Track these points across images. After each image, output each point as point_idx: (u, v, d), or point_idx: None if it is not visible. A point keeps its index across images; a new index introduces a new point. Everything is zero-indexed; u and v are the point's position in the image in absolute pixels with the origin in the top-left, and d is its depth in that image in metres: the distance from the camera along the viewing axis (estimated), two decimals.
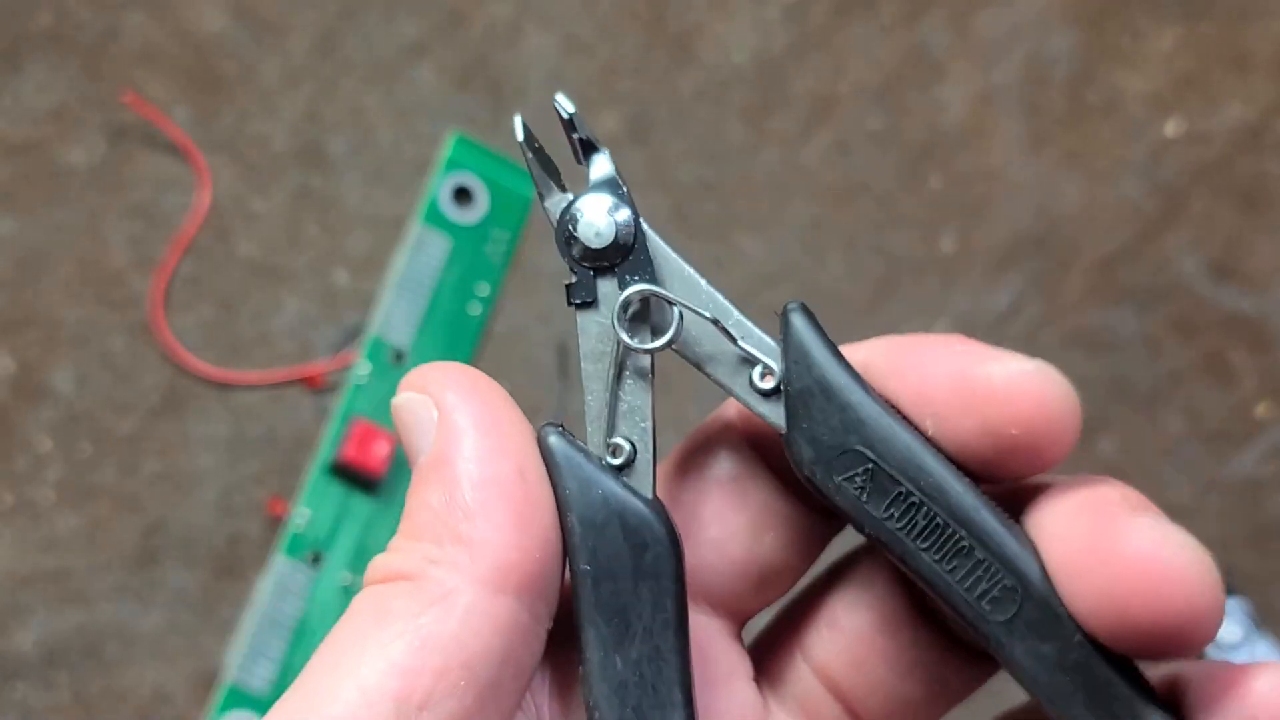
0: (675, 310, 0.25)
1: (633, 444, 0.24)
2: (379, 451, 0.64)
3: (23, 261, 0.69)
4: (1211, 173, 0.73)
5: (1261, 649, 0.66)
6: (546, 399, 0.68)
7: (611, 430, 0.25)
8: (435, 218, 0.69)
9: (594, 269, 0.25)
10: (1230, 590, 0.67)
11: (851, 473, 0.24)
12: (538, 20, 0.73)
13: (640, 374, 0.25)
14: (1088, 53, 0.75)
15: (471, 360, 0.69)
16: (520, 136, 0.26)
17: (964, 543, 0.23)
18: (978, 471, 0.24)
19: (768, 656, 0.27)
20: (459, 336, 0.69)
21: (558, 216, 0.25)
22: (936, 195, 0.72)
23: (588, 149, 0.26)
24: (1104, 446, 0.69)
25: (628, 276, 0.25)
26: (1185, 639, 0.22)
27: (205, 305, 0.69)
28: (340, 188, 0.70)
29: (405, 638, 0.22)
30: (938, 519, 0.23)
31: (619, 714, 0.23)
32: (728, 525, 0.26)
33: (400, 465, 0.66)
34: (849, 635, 0.26)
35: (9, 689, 0.64)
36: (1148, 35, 0.75)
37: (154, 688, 0.64)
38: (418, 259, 0.68)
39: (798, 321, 0.24)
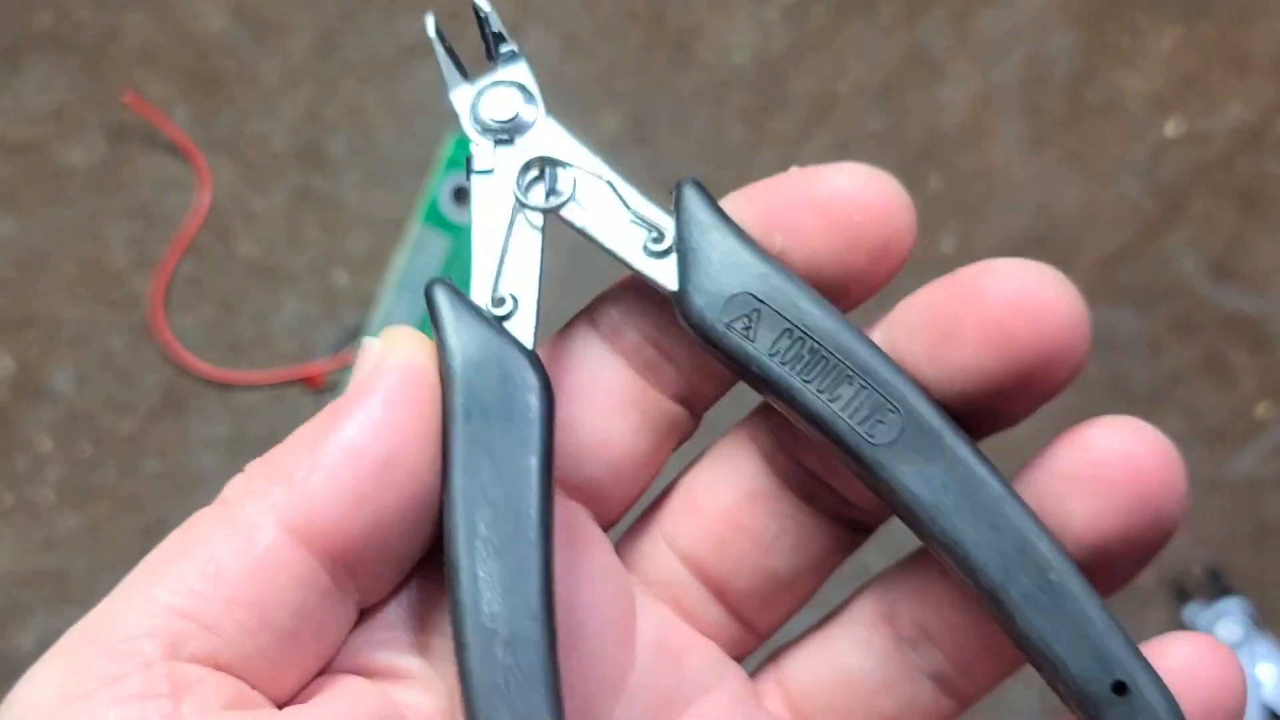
0: (571, 174, 0.26)
1: (516, 299, 0.25)
2: None
3: (23, 261, 0.69)
4: (1211, 173, 0.73)
5: (1262, 648, 0.66)
6: None
7: (497, 285, 0.25)
8: (435, 218, 0.69)
9: (495, 140, 0.26)
10: (1230, 590, 0.67)
11: (739, 315, 0.25)
12: (538, 20, 0.73)
13: (532, 235, 0.26)
14: (1088, 53, 0.75)
15: None
16: (431, 32, 0.27)
17: (847, 372, 0.24)
18: (833, 281, 0.25)
19: (630, 547, 0.27)
20: None
21: (467, 97, 0.27)
22: (936, 195, 0.72)
23: (499, 42, 0.28)
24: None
25: (529, 150, 0.26)
26: (1066, 361, 0.23)
27: (205, 305, 0.69)
28: (340, 188, 0.70)
29: (201, 561, 0.22)
30: (821, 351, 0.24)
31: (476, 536, 0.23)
32: (609, 423, 0.26)
33: None
34: (708, 515, 0.27)
35: (9, 689, 0.64)
36: (1148, 35, 0.75)
37: None
38: (418, 259, 0.68)
39: (691, 192, 0.26)
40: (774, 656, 0.28)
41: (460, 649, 0.23)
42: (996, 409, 0.24)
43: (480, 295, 0.25)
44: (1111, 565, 0.24)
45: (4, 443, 0.67)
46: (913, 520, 0.24)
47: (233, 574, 0.22)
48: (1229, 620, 0.66)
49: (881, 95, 0.74)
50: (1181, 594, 0.67)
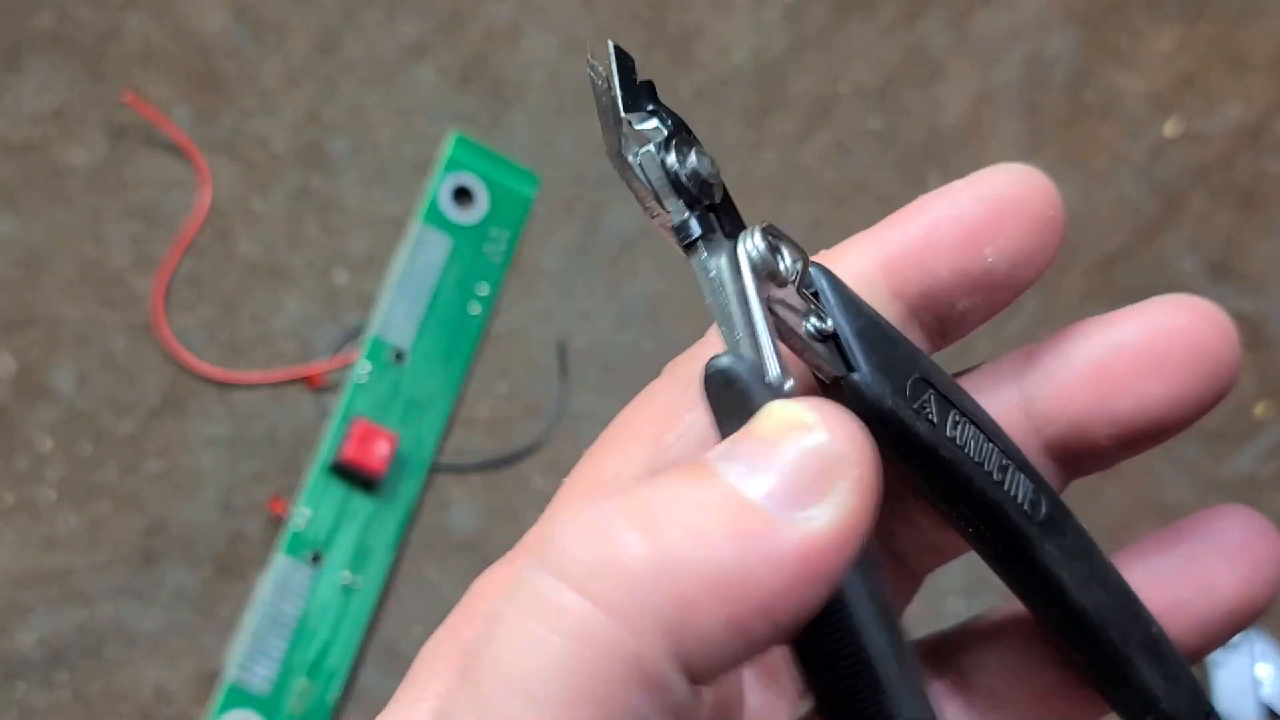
0: (785, 249, 0.23)
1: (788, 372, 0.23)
2: (379, 451, 0.64)
3: (23, 261, 0.69)
4: (1210, 173, 0.74)
5: (1260, 647, 0.66)
6: (546, 399, 0.68)
7: (778, 359, 0.22)
8: (435, 217, 0.69)
9: (697, 208, 0.23)
10: None
11: (921, 400, 0.24)
12: (538, 20, 0.73)
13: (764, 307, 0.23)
14: (1087, 53, 0.75)
15: (471, 360, 0.69)
16: (614, 67, 0.24)
17: (998, 452, 0.24)
18: (1032, 275, 0.26)
19: None
20: (459, 336, 0.69)
21: (655, 155, 0.24)
22: None
23: (651, 92, 0.25)
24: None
25: (717, 215, 0.24)
26: (1233, 365, 0.25)
27: (206, 305, 0.69)
28: (340, 188, 0.70)
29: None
30: (981, 435, 0.24)
31: None
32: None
33: (400, 465, 0.66)
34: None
35: (9, 688, 0.64)
36: (1147, 35, 0.75)
37: (154, 687, 0.64)
38: (418, 259, 0.69)
39: (821, 270, 0.24)
40: None
41: None
42: (1166, 430, 0.26)
43: (772, 375, 0.22)
44: (1234, 622, 0.27)
45: (4, 442, 0.67)
46: (1052, 592, 0.25)
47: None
48: None
49: (881, 95, 0.74)
50: None
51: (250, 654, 0.63)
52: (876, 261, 0.26)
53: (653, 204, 0.23)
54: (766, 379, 0.22)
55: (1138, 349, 0.24)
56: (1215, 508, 0.26)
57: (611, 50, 0.24)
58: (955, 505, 0.25)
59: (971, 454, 0.24)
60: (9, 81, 0.71)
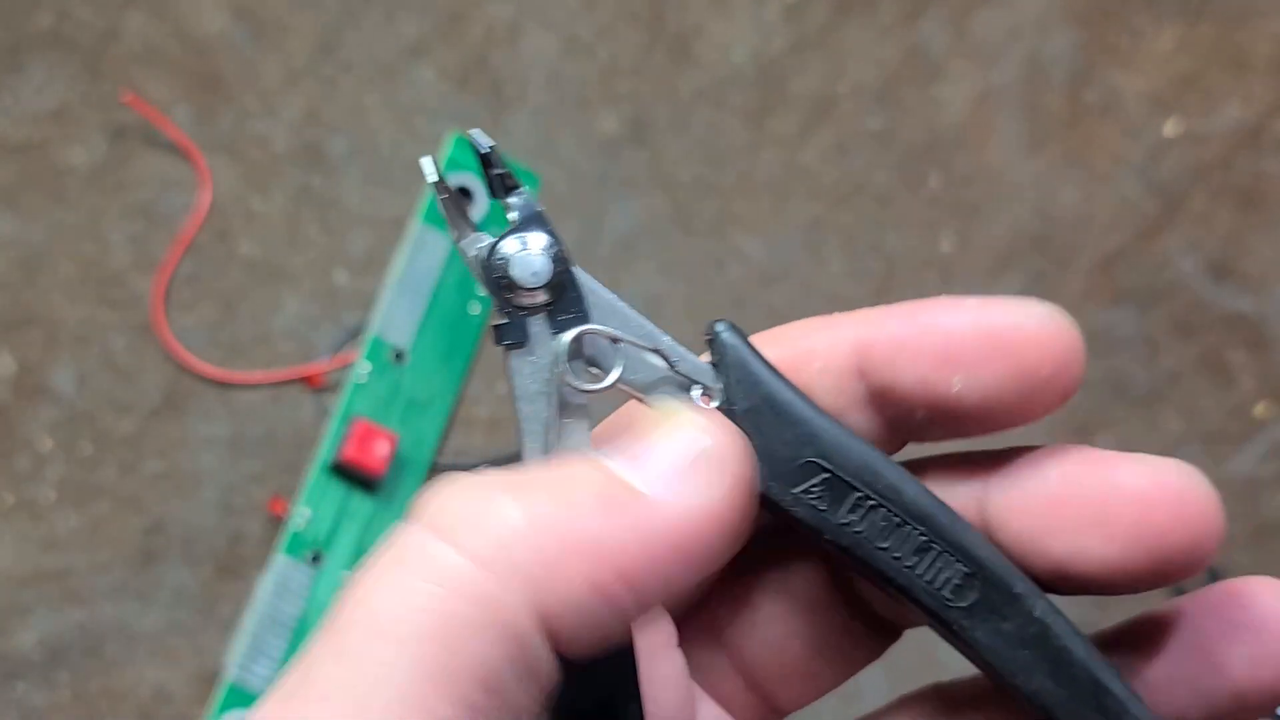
0: (617, 348, 0.24)
1: None
2: (379, 451, 0.64)
3: (23, 261, 0.69)
4: (1210, 173, 0.74)
5: None
6: None
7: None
8: (435, 218, 0.69)
9: (526, 310, 0.24)
10: None
11: (808, 484, 0.24)
12: (538, 21, 0.73)
13: (580, 412, 0.24)
14: (1086, 53, 0.75)
15: (471, 360, 0.69)
16: (432, 178, 0.24)
17: (923, 538, 0.24)
18: (1001, 420, 0.24)
19: (685, 641, 0.27)
20: (459, 336, 0.69)
21: (484, 256, 0.24)
22: (936, 195, 0.72)
23: (508, 185, 0.24)
24: (1103, 446, 0.69)
25: (558, 316, 0.24)
26: (1207, 554, 0.23)
27: (206, 305, 0.69)
28: (340, 188, 0.70)
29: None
30: (895, 519, 0.24)
31: None
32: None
33: (399, 464, 0.66)
34: (766, 619, 0.27)
35: (10, 688, 0.64)
36: (1146, 36, 0.75)
37: (154, 687, 0.64)
38: (418, 259, 0.69)
39: (731, 340, 0.24)
40: None
41: None
42: (1115, 588, 0.24)
43: None
44: (1246, 711, 0.25)
45: (4, 442, 0.67)
46: (993, 673, 0.24)
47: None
48: None
49: (881, 95, 0.74)
50: (1180, 593, 0.67)
51: (250, 654, 0.63)
52: (853, 337, 0.25)
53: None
54: None
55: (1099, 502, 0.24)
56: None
57: (475, 142, 0.24)
58: (875, 582, 0.25)
59: (870, 538, 0.24)
60: (9, 81, 0.71)
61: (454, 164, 0.70)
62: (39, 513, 0.67)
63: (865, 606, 0.27)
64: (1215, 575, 0.68)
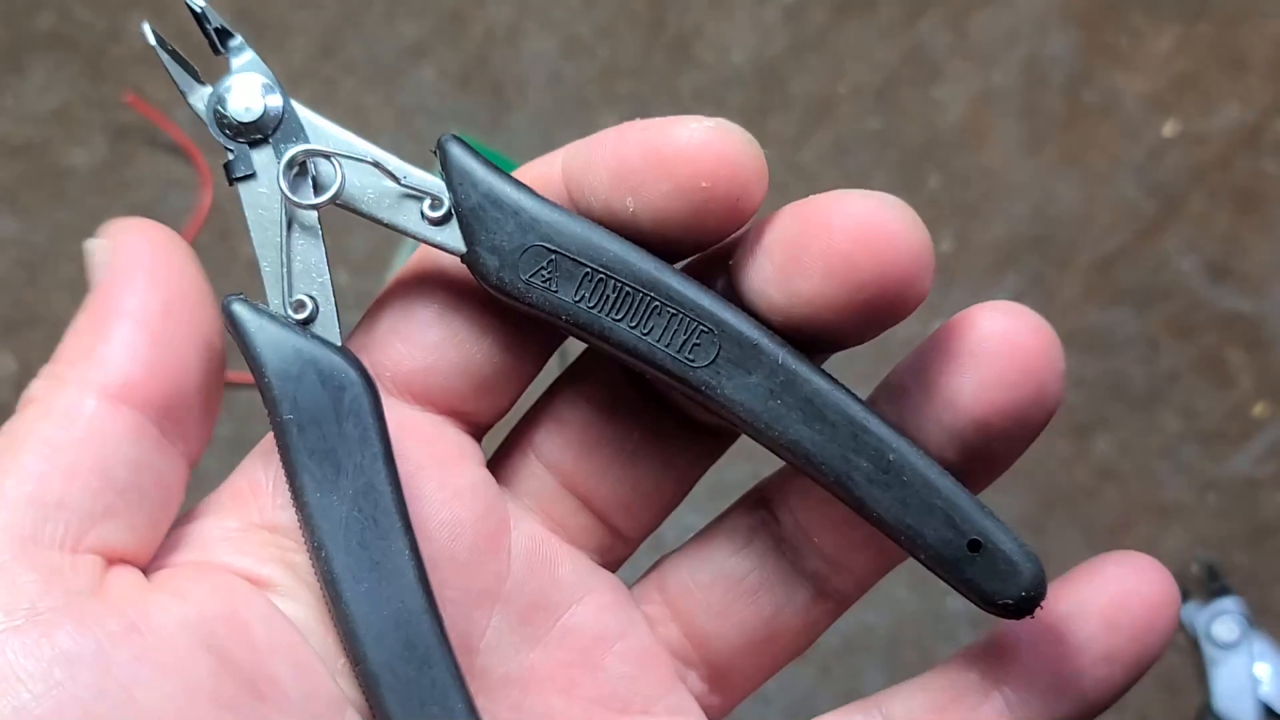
0: (336, 163, 0.26)
1: (314, 299, 0.26)
2: None
3: (25, 261, 0.69)
4: (1209, 173, 0.74)
5: (1259, 646, 0.67)
6: None
7: (291, 290, 0.26)
8: None
9: (249, 143, 0.26)
10: (1227, 589, 0.67)
11: (536, 268, 0.25)
12: (538, 21, 0.73)
13: (310, 233, 0.26)
14: (1086, 54, 0.75)
15: None
16: (152, 40, 0.26)
17: (655, 303, 0.24)
18: (684, 238, 0.25)
19: (501, 461, 0.28)
20: None
21: (206, 103, 0.26)
22: (935, 195, 0.73)
23: (224, 37, 0.26)
24: (1102, 446, 0.69)
25: (282, 145, 0.26)
26: (910, 288, 0.23)
27: None
28: None
29: (36, 447, 0.23)
30: (626, 288, 0.25)
31: (345, 548, 0.24)
32: (443, 330, 0.27)
33: None
34: (574, 427, 0.27)
35: None
36: (1145, 36, 0.75)
37: None
38: None
39: (455, 150, 0.26)
40: (657, 564, 0.29)
41: (358, 661, 0.24)
42: (842, 333, 0.24)
43: (276, 303, 0.26)
44: (995, 440, 0.25)
45: None
46: (749, 429, 0.25)
47: (68, 448, 0.23)
48: (1226, 619, 0.66)
49: (880, 95, 0.74)
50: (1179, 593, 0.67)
51: None
52: (560, 162, 0.26)
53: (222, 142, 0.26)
54: (271, 310, 0.25)
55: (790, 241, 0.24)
56: (971, 309, 0.25)
57: (150, 33, 0.26)
58: (619, 358, 0.25)
59: (604, 311, 0.24)
60: (10, 82, 0.71)
61: None
62: None
63: (675, 411, 0.27)
64: (1215, 573, 0.68)
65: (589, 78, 0.73)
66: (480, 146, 0.71)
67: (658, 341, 0.24)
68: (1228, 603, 0.66)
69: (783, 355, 0.24)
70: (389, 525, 0.24)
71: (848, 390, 0.24)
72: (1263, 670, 0.66)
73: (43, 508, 0.23)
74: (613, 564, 0.28)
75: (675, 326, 0.24)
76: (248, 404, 0.68)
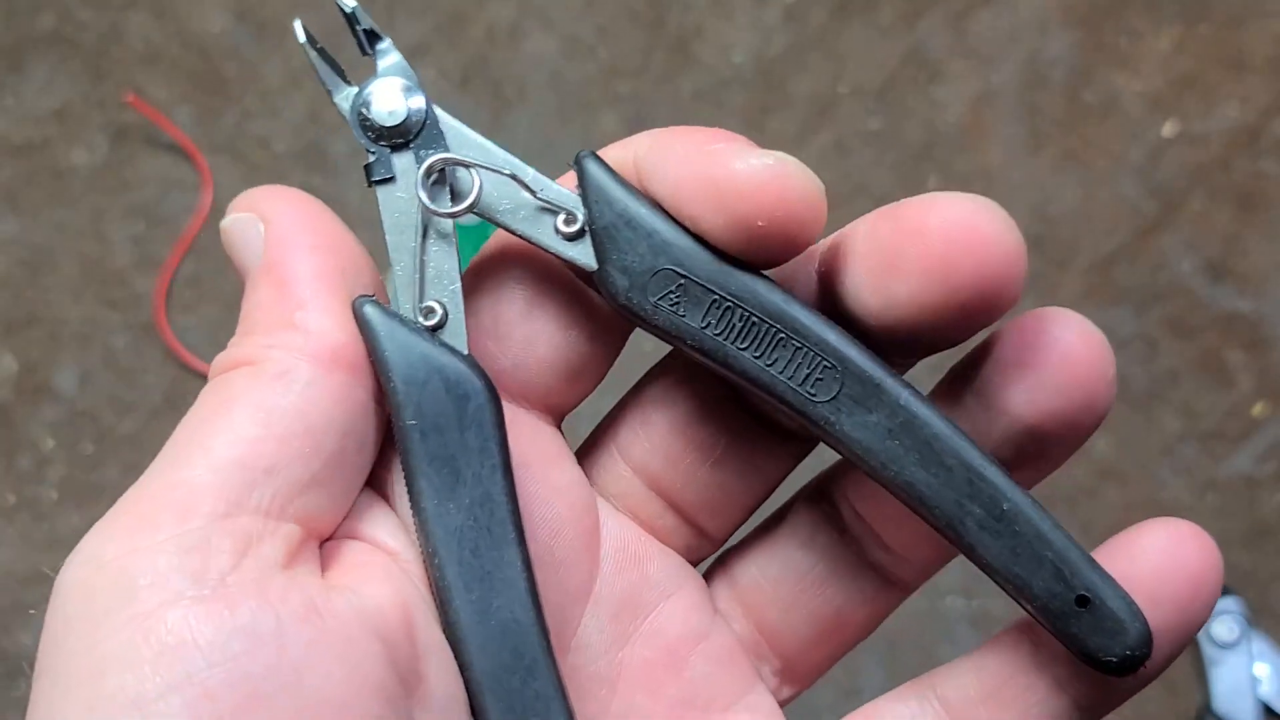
0: (473, 173, 0.26)
1: (444, 306, 0.26)
2: None
3: (25, 261, 0.69)
4: (1208, 173, 0.74)
5: (1258, 646, 0.67)
6: None
7: (422, 295, 0.26)
8: None
9: (390, 146, 0.26)
10: (1226, 589, 0.67)
11: (666, 291, 0.25)
12: (538, 22, 0.74)
13: (445, 240, 0.26)
14: (1085, 54, 0.75)
15: None
16: (302, 38, 0.26)
17: (780, 335, 0.25)
18: (742, 258, 0.25)
19: (590, 460, 0.28)
20: None
21: (350, 104, 0.26)
22: None
23: (372, 39, 0.27)
24: (1101, 446, 0.69)
25: (423, 151, 0.26)
26: (1005, 289, 0.23)
27: (207, 305, 0.69)
28: (341, 188, 0.70)
29: (249, 410, 0.24)
30: (752, 318, 0.25)
31: (458, 557, 0.24)
32: (533, 325, 0.27)
33: None
34: (661, 429, 0.27)
35: (12, 686, 0.65)
36: (1145, 37, 0.75)
37: None
38: None
39: (593, 167, 0.26)
40: (724, 558, 0.29)
41: (465, 668, 0.24)
42: (937, 335, 0.24)
43: (406, 307, 0.25)
44: (1046, 445, 0.25)
45: (7, 442, 0.67)
46: (865, 466, 0.25)
47: (282, 414, 0.23)
48: (1225, 618, 0.66)
49: (880, 96, 0.74)
50: None
51: None
52: (632, 155, 0.26)
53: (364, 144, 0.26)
54: (402, 315, 0.25)
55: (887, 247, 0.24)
56: (1022, 315, 0.25)
57: (300, 31, 0.27)
58: (739, 385, 0.25)
59: (729, 339, 0.25)
60: (11, 82, 0.71)
61: None
62: (41, 512, 0.67)
63: (761, 414, 0.27)
64: None
65: (589, 78, 0.73)
66: None
67: (780, 373, 0.25)
68: (1227, 602, 0.67)
69: (904, 396, 0.24)
70: (503, 536, 0.24)
71: (966, 435, 0.24)
72: (1262, 670, 0.67)
73: (252, 472, 0.23)
74: (696, 561, 0.29)
75: (799, 360, 0.25)
76: None
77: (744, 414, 0.27)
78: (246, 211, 0.26)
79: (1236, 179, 0.74)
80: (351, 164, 0.71)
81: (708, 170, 0.24)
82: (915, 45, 0.75)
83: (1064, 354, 0.24)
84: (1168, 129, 0.74)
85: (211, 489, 0.23)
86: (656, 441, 0.27)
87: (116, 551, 0.22)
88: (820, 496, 0.28)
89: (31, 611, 0.62)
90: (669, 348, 0.27)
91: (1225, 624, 0.66)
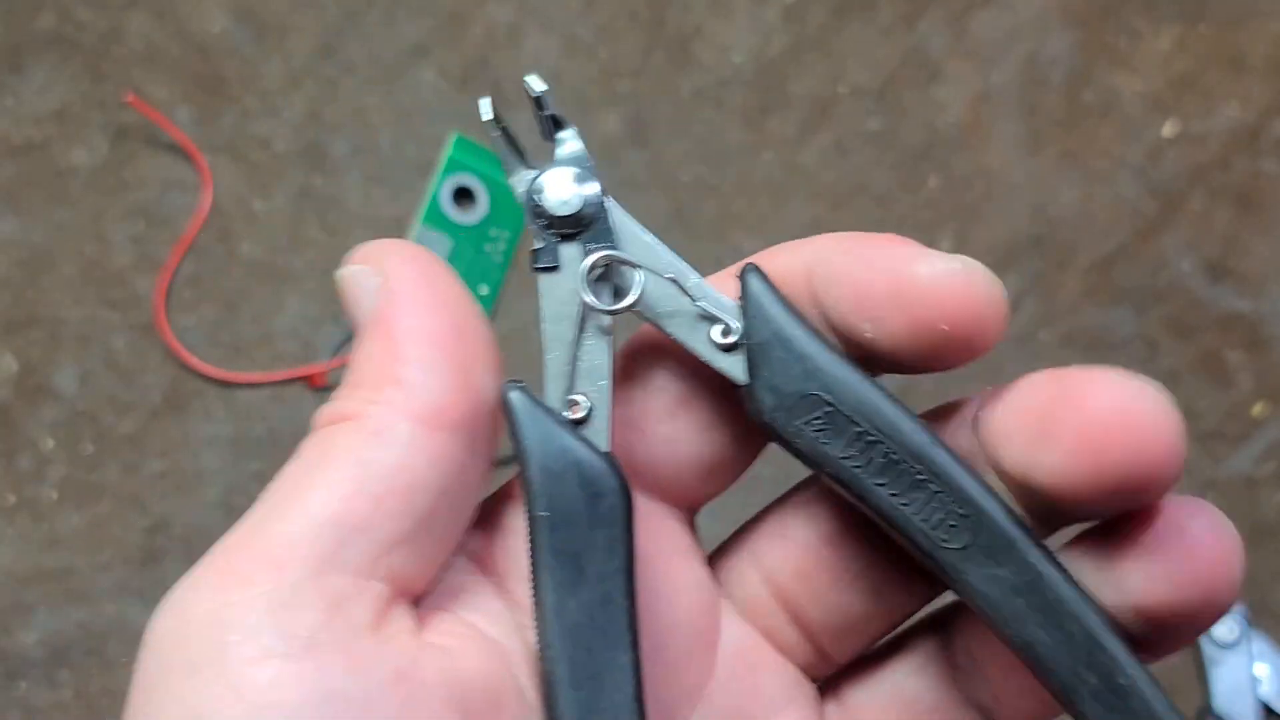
0: (637, 273, 0.26)
1: (591, 401, 0.26)
2: None
3: (25, 261, 0.69)
4: (1208, 173, 0.74)
5: (1258, 646, 0.67)
6: None
7: (571, 388, 0.26)
8: (436, 218, 0.70)
9: (559, 236, 0.26)
10: None
11: (811, 416, 0.25)
12: (538, 22, 0.74)
13: (601, 335, 0.26)
14: (1085, 54, 0.75)
15: None
16: (488, 116, 0.27)
17: (919, 476, 0.24)
18: (917, 367, 0.25)
19: (722, 562, 0.28)
20: None
21: (526, 188, 0.26)
22: (935, 195, 0.73)
23: (556, 125, 0.27)
24: None
25: (589, 245, 0.26)
26: (1156, 480, 0.23)
27: (207, 305, 0.69)
28: (342, 188, 0.70)
29: (347, 468, 0.24)
30: (893, 455, 0.25)
31: (571, 653, 0.24)
32: (677, 424, 0.27)
33: None
34: (798, 545, 0.27)
35: (12, 687, 0.65)
36: (1145, 36, 0.75)
37: None
38: None
39: (755, 282, 0.25)
40: (835, 677, 0.29)
41: None
42: (1076, 507, 0.24)
43: (554, 399, 0.26)
44: (1164, 631, 0.25)
45: (7, 442, 0.67)
46: (987, 619, 0.25)
47: (380, 472, 0.23)
48: (1225, 618, 0.66)
49: (880, 96, 0.74)
50: None
51: None
52: (802, 264, 0.26)
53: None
54: (548, 405, 0.25)
55: (1073, 410, 0.23)
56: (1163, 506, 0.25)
57: (487, 108, 0.27)
58: (870, 518, 0.25)
59: (868, 473, 0.24)
60: (11, 82, 0.71)
61: (455, 165, 0.70)
62: (41, 512, 0.67)
63: (896, 547, 0.27)
64: None
65: (589, 78, 0.73)
66: (481, 147, 0.71)
67: (915, 515, 0.25)
68: None
69: (1035, 555, 0.24)
70: (618, 638, 0.24)
71: (1091, 602, 0.24)
72: (1262, 670, 0.67)
73: (345, 530, 0.23)
74: (814, 680, 0.28)
75: (934, 504, 0.25)
76: (248, 404, 0.69)
77: (882, 545, 0.27)
78: (364, 264, 0.26)
79: (1236, 179, 0.74)
80: (352, 164, 0.71)
81: (893, 272, 0.24)
82: (915, 45, 0.75)
83: (1192, 546, 0.24)
84: (1167, 129, 0.74)
85: (304, 545, 0.23)
86: (793, 556, 0.27)
87: (209, 603, 0.22)
88: (939, 628, 0.28)
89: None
90: None
91: (1225, 624, 0.66)
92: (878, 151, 0.73)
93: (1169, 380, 0.74)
